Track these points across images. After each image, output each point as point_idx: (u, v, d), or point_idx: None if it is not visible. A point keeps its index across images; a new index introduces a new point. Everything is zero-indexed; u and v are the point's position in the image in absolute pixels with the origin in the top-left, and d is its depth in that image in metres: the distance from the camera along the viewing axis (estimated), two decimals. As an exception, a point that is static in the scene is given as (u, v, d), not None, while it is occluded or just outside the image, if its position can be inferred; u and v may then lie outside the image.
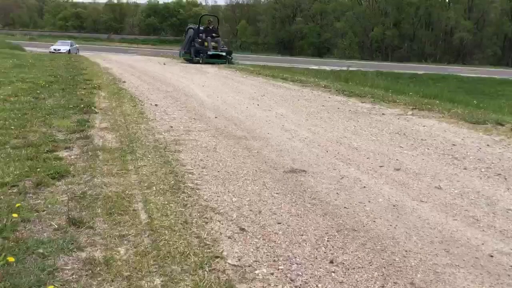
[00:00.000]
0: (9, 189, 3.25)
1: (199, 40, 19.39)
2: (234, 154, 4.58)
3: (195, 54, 19.20)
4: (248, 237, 2.75)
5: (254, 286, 2.24)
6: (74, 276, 2.23)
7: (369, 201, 3.39)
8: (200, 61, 18.53)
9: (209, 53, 18.76)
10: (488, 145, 5.18)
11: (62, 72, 11.79)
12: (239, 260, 2.47)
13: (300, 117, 6.78)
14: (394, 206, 3.32)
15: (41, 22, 78.54)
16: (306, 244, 2.68)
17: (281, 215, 3.08)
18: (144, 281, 2.21)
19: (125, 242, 2.60)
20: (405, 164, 4.38)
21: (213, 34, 19.73)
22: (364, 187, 3.71)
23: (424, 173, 4.13)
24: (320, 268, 2.43)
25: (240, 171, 4.03)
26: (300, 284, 2.27)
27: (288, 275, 2.35)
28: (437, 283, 2.32)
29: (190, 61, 19.28)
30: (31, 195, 3.20)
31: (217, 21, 22.56)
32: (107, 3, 77.51)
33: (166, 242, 2.60)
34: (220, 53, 19.16)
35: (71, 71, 12.28)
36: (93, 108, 6.60)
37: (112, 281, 2.21)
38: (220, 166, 4.17)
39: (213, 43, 19.25)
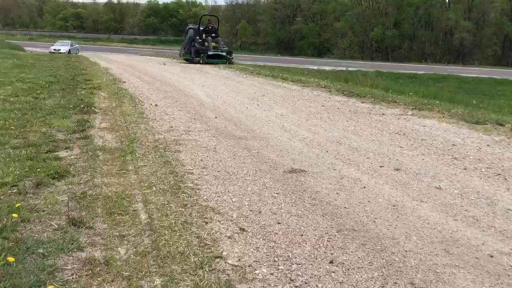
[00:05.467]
0: (9, 189, 3.25)
1: (199, 40, 19.31)
2: (234, 154, 4.58)
3: (195, 54, 19.09)
4: (248, 237, 2.75)
5: (254, 286, 2.24)
6: (74, 276, 2.23)
7: (369, 201, 3.39)
8: (201, 61, 18.44)
9: (210, 53, 18.68)
10: (488, 145, 5.18)
11: (62, 72, 11.79)
12: (239, 260, 2.47)
13: (300, 117, 6.78)
14: (394, 206, 3.32)
15: (41, 22, 78.51)
16: (306, 244, 2.68)
17: (281, 215, 3.08)
18: (144, 281, 2.21)
19: (125, 242, 2.60)
20: (405, 164, 4.38)
21: (213, 34, 19.68)
22: (364, 187, 3.71)
23: (424, 173, 4.13)
24: (320, 268, 2.43)
25: (240, 171, 4.03)
26: (300, 284, 2.27)
27: (288, 275, 2.35)
28: (437, 283, 2.32)
29: (191, 61, 19.16)
30: (31, 195, 3.20)
31: (217, 21, 22.49)
32: (107, 3, 77.48)
33: (166, 242, 2.60)
34: (221, 53, 19.07)
35: (71, 71, 12.28)
36: (93, 108, 6.60)
37: (112, 281, 2.20)
38: (220, 166, 4.17)
39: (213, 43, 19.13)
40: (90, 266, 2.32)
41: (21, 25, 74.19)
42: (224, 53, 19.23)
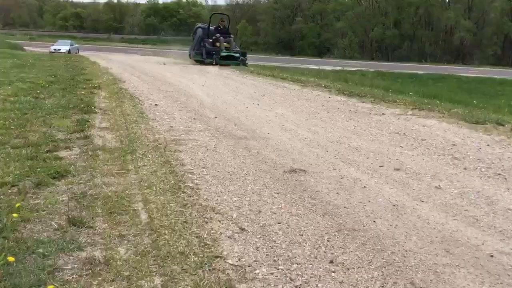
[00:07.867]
0: (9, 189, 3.25)
1: (210, 40, 18.24)
2: (234, 154, 4.58)
3: (207, 55, 17.83)
4: (248, 237, 2.75)
5: (254, 286, 2.24)
6: (74, 276, 2.23)
7: (369, 201, 3.39)
8: (213, 63, 17.26)
9: (222, 54, 17.63)
10: (488, 145, 5.18)
11: (62, 72, 11.80)
12: (239, 260, 2.47)
13: (300, 117, 6.78)
14: (394, 206, 3.32)
15: (41, 22, 78.56)
16: (306, 244, 2.68)
17: (281, 215, 3.08)
18: (144, 281, 2.21)
19: (125, 242, 2.60)
20: (405, 164, 4.38)
21: (225, 34, 18.57)
22: (364, 187, 3.70)
23: (424, 173, 4.12)
24: (320, 268, 2.43)
25: (240, 171, 4.03)
26: (300, 284, 2.27)
27: (288, 274, 2.35)
28: (437, 283, 2.32)
29: (202, 62, 17.94)
30: (31, 195, 3.20)
31: (228, 20, 20.98)
32: (107, 3, 77.47)
33: (166, 242, 2.60)
34: (234, 54, 18.02)
35: (71, 71, 12.28)
36: (93, 108, 6.60)
37: (112, 281, 2.20)
38: (220, 166, 4.17)
39: (225, 44, 18.12)
40: (90, 266, 2.32)
41: (21, 24, 74.17)
42: (237, 54, 18.12)
